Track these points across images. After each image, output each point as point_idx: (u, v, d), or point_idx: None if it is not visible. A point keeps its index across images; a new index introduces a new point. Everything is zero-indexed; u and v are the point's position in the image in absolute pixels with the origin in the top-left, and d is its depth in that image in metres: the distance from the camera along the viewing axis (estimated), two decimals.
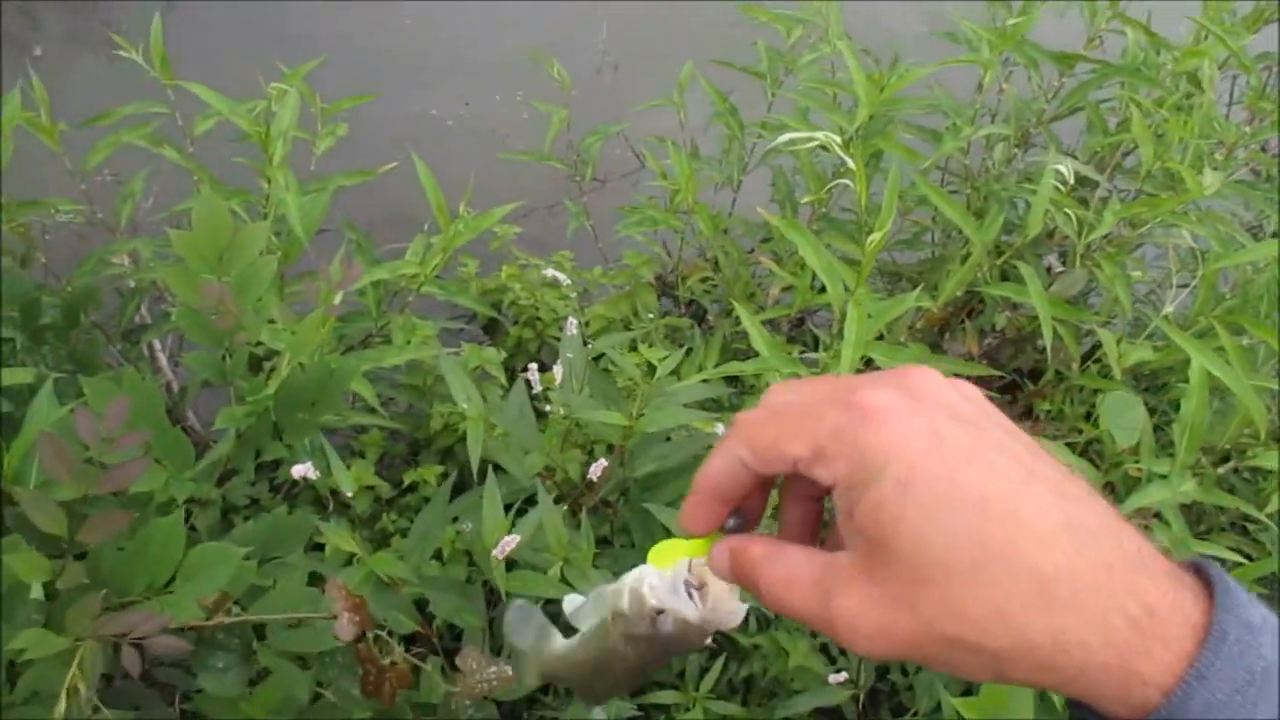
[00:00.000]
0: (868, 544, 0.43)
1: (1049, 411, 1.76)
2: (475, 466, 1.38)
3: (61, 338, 1.48)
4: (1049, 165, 1.28)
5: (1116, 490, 1.58)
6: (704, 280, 2.26)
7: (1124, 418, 1.46)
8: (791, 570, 0.46)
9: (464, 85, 3.34)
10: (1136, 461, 1.49)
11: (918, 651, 0.42)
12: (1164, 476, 1.35)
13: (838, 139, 1.23)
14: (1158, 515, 1.45)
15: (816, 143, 1.27)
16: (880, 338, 1.68)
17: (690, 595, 0.51)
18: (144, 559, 0.86)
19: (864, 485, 0.42)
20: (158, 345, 1.91)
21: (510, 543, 1.14)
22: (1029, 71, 1.75)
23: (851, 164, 1.18)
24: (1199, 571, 0.41)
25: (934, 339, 2.10)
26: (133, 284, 1.76)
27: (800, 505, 0.51)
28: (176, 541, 0.87)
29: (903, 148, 1.57)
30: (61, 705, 0.75)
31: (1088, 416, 1.79)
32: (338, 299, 1.24)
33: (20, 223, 1.53)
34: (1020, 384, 2.08)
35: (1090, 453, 1.75)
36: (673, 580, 0.51)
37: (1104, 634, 0.38)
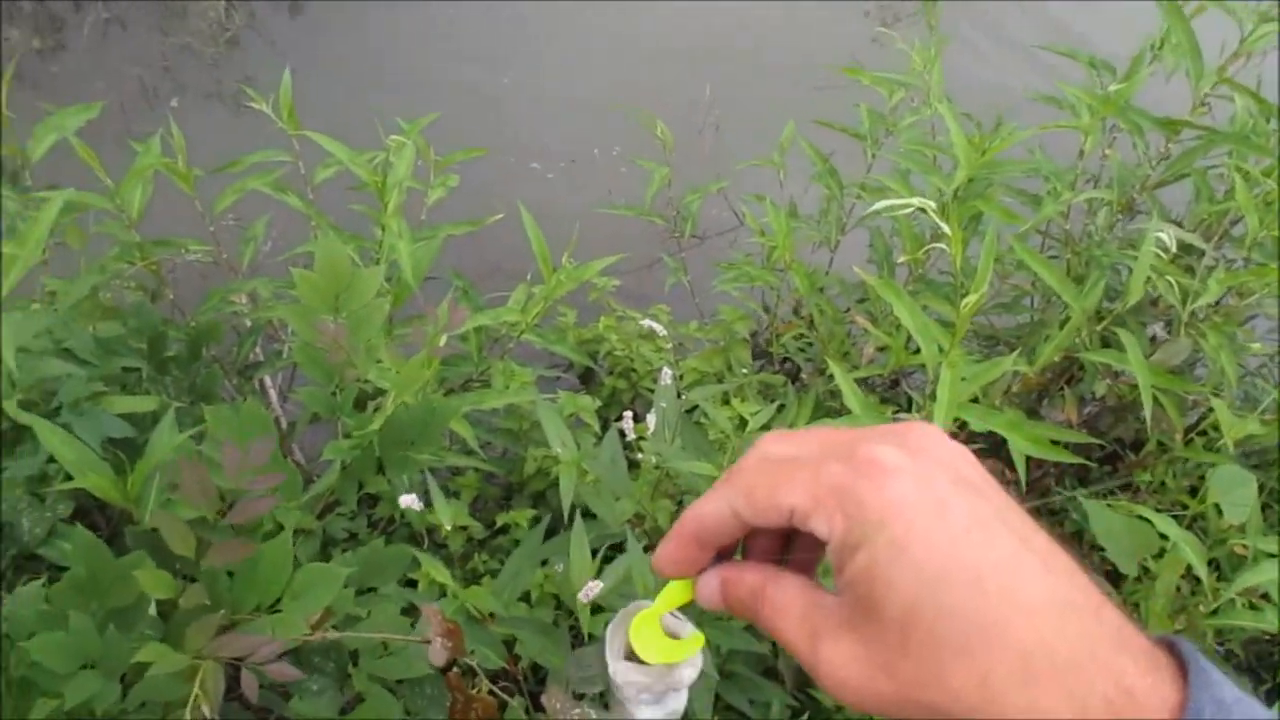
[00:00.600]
0: (856, 600, 0.42)
1: (1150, 483, 1.72)
2: (567, 511, 1.41)
3: (184, 370, 1.56)
4: (1150, 232, 1.27)
5: (1221, 567, 1.53)
6: (798, 338, 2.27)
7: (1234, 493, 1.41)
8: (785, 600, 0.46)
9: (568, 141, 3.43)
10: (1243, 538, 1.45)
11: (893, 711, 0.42)
12: (1272, 555, 1.31)
13: (933, 205, 1.24)
14: (1265, 596, 1.40)
15: (913, 207, 1.28)
16: (975, 400, 1.67)
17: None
18: (254, 579, 0.91)
19: (858, 543, 0.41)
20: (269, 381, 1.99)
21: (595, 587, 1.16)
22: (1133, 137, 1.73)
23: (947, 229, 1.19)
24: (1173, 649, 0.40)
25: (1032, 404, 2.07)
26: (249, 322, 1.85)
27: (764, 538, 0.50)
28: (285, 563, 0.92)
29: (1002, 210, 1.57)
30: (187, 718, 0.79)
31: (1193, 491, 1.74)
32: (443, 341, 1.29)
33: (153, 260, 1.63)
34: (1121, 454, 2.03)
35: (1195, 528, 1.70)
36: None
37: (1080, 713, 0.38)
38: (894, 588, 0.40)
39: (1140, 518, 1.25)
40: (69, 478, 1.20)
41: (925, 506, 0.41)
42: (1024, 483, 1.37)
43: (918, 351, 1.48)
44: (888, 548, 0.40)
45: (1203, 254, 1.57)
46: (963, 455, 0.45)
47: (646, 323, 1.73)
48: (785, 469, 0.45)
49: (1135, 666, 0.39)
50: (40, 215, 1.33)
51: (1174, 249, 1.26)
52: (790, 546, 0.49)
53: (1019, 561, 0.40)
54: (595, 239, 2.46)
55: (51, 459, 1.40)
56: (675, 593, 0.51)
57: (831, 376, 1.66)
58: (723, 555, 0.50)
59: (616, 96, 3.47)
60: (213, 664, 0.82)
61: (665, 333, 1.76)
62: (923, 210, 1.32)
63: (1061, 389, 1.96)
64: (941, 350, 1.37)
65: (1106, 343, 1.75)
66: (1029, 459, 2.07)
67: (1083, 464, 1.98)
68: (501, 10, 3.85)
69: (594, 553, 1.31)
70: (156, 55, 3.36)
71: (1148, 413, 1.35)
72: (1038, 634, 0.39)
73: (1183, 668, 0.39)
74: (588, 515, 1.41)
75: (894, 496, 0.41)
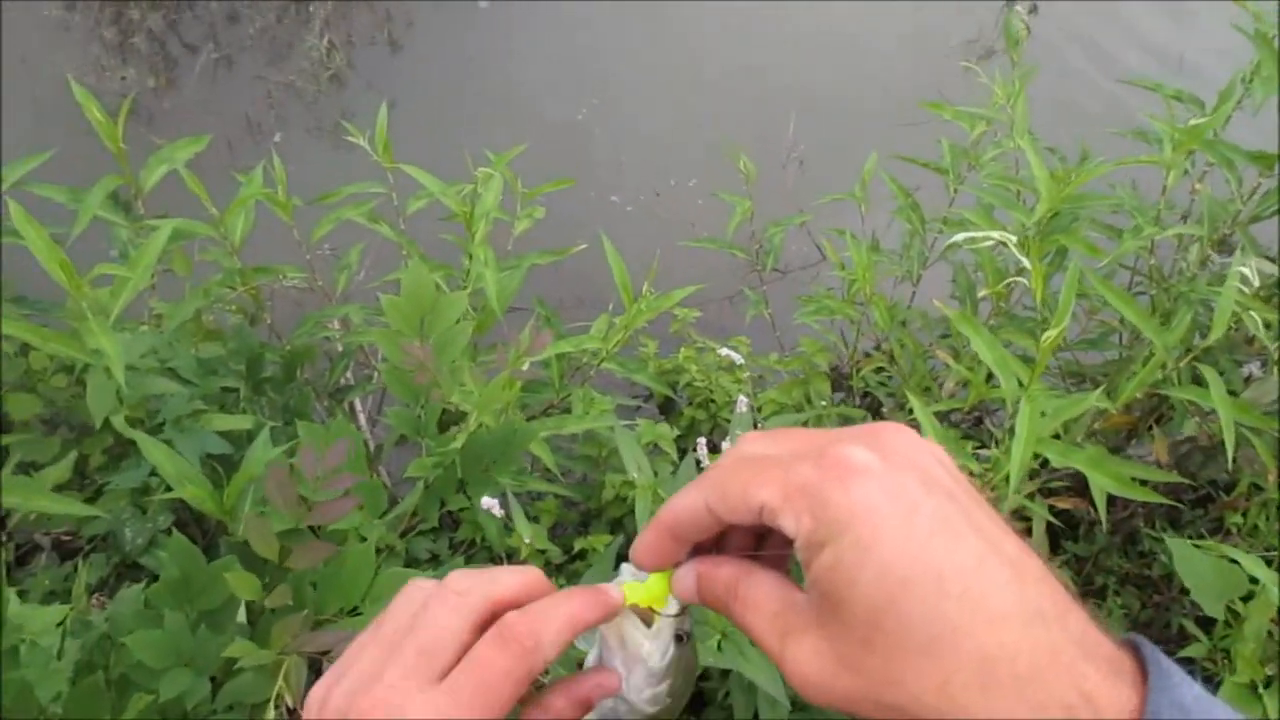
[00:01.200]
0: (822, 598, 0.43)
1: (1241, 526, 1.67)
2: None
3: (279, 391, 1.63)
4: (1235, 266, 1.25)
5: None
6: (879, 371, 2.26)
7: None
8: (758, 596, 0.47)
9: (653, 173, 3.49)
10: None
11: (855, 709, 0.42)
12: None
13: (1013, 238, 1.24)
14: None
15: (993, 240, 1.28)
16: (1057, 437, 1.64)
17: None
18: (338, 583, 0.95)
19: (824, 541, 0.42)
20: (359, 404, 2.06)
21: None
22: (1225, 171, 1.70)
23: (1028, 264, 1.19)
24: (1138, 651, 0.41)
25: (1120, 443, 2.03)
26: (341, 347, 1.92)
27: (740, 534, 0.51)
28: (367, 568, 0.96)
29: (1085, 244, 1.55)
30: (270, 712, 0.83)
31: None
32: (525, 366, 1.33)
33: (253, 286, 1.71)
34: (1214, 496, 1.97)
35: None
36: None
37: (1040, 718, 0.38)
38: (858, 588, 0.41)
39: (1228, 559, 1.22)
40: (169, 490, 1.26)
41: (892, 508, 0.41)
42: (1104, 520, 1.35)
43: (999, 386, 1.47)
44: (852, 548, 0.41)
45: None
46: (935, 456, 0.45)
47: (725, 351, 1.75)
48: (758, 466, 0.45)
49: (1097, 672, 0.39)
50: (150, 241, 1.42)
51: (1257, 283, 1.24)
52: (764, 542, 0.50)
53: (985, 566, 0.41)
54: (677, 272, 2.49)
55: (154, 472, 1.47)
56: (654, 586, 0.52)
57: (912, 410, 1.65)
58: (701, 550, 0.51)
59: (698, 131, 3.52)
60: (296, 659, 0.86)
61: (743, 361, 1.78)
62: (1004, 244, 1.32)
63: (1150, 428, 1.92)
64: (1021, 385, 1.36)
65: (1198, 380, 1.72)
66: (1115, 498, 2.03)
67: (1172, 504, 1.93)
68: (597, 42, 3.94)
69: None
70: (262, 93, 3.52)
71: (1229, 451, 1.32)
72: (999, 640, 0.39)
73: (1145, 670, 0.40)
74: None
75: (860, 498, 0.41)
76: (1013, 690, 0.39)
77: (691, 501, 0.47)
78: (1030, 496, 1.67)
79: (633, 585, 0.52)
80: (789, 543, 0.44)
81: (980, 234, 1.28)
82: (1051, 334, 1.13)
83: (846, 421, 2.16)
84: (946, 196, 2.14)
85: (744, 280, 2.57)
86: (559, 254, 1.77)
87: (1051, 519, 1.68)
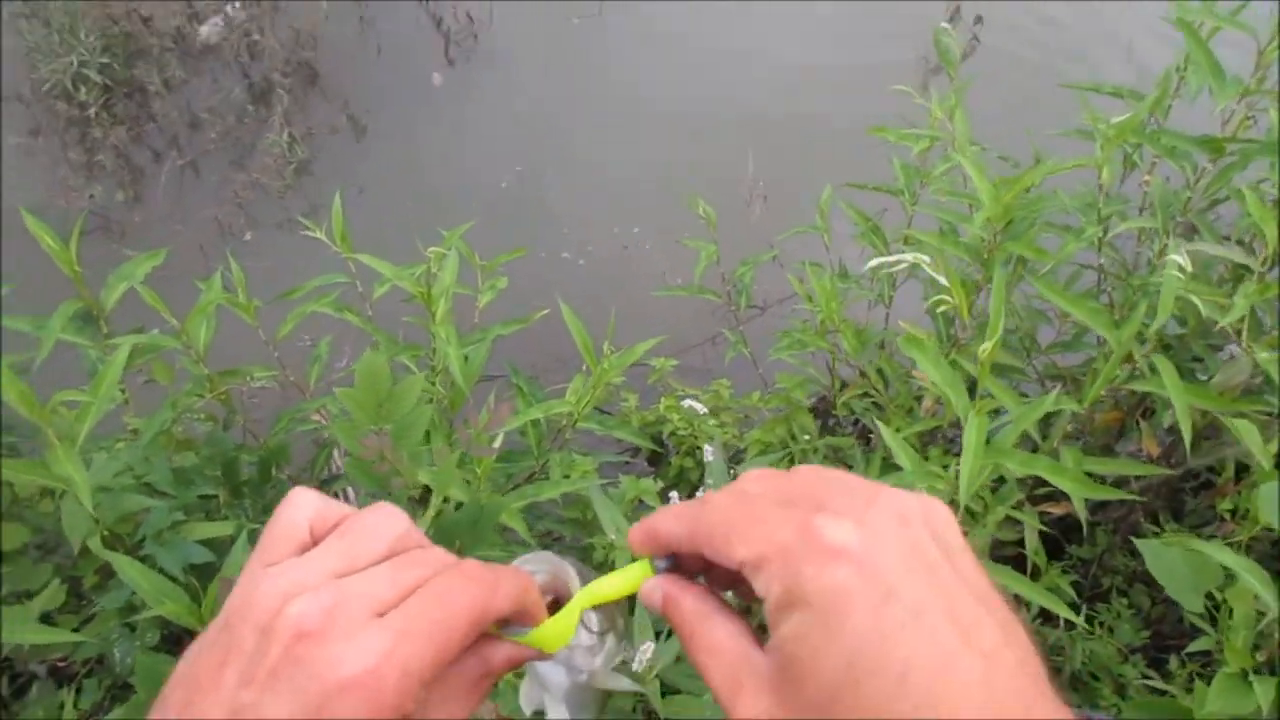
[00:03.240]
0: (782, 666, 0.43)
1: (1234, 511, 1.65)
2: None
3: (257, 492, 1.63)
4: (1170, 253, 1.25)
5: None
6: (864, 396, 2.26)
7: None
8: (714, 642, 0.47)
9: (618, 224, 3.51)
10: None
11: None
12: None
13: (927, 259, 1.24)
14: None
15: (906, 262, 1.28)
16: (1035, 445, 1.63)
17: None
18: None
19: (791, 611, 0.42)
20: (351, 493, 2.06)
21: (648, 649, 1.17)
22: (1177, 162, 1.70)
23: (944, 281, 1.19)
24: None
25: (1110, 440, 2.02)
26: (326, 435, 1.92)
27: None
28: None
29: (1033, 248, 1.55)
30: None
31: None
32: (496, 441, 1.33)
33: (222, 390, 1.71)
34: (1212, 482, 1.95)
35: None
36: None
37: None
38: (820, 667, 0.41)
39: (1194, 551, 1.20)
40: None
41: (865, 595, 0.41)
42: (1085, 523, 1.34)
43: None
44: (820, 627, 0.41)
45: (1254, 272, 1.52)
46: (929, 525, 0.45)
47: (687, 403, 1.75)
48: (747, 516, 0.45)
49: None
50: (110, 363, 1.42)
51: (1189, 269, 1.24)
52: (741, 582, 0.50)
53: (953, 661, 0.40)
54: (654, 320, 2.50)
55: None
56: (630, 576, 0.51)
57: (899, 430, 1.64)
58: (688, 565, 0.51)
59: (661, 175, 3.55)
60: None
61: (705, 411, 1.78)
62: (918, 264, 1.33)
63: (1137, 423, 1.91)
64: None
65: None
66: (1107, 482, 2.01)
67: (1176, 493, 1.91)
68: (546, 105, 3.99)
69: (656, 635, 1.32)
70: (229, 194, 3.56)
71: (1187, 436, 1.31)
72: None
73: None
74: None
75: (833, 580, 0.41)
76: None
77: (676, 529, 0.48)
78: (1019, 505, 1.65)
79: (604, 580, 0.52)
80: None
81: (894, 258, 1.28)
82: (987, 346, 1.12)
83: (836, 453, 2.15)
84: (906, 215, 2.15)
85: (723, 321, 2.57)
86: (522, 322, 1.77)
87: (1045, 528, 1.66)
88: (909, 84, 2.08)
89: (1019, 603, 1.37)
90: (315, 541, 0.47)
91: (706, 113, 3.86)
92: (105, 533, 1.49)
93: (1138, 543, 1.25)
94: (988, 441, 1.28)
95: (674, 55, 4.09)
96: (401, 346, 1.74)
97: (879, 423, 1.43)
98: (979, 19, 3.97)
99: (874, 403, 2.26)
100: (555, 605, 0.52)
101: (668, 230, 3.39)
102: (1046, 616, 1.76)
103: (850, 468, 1.85)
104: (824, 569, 0.41)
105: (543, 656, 0.51)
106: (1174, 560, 1.19)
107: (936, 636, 0.40)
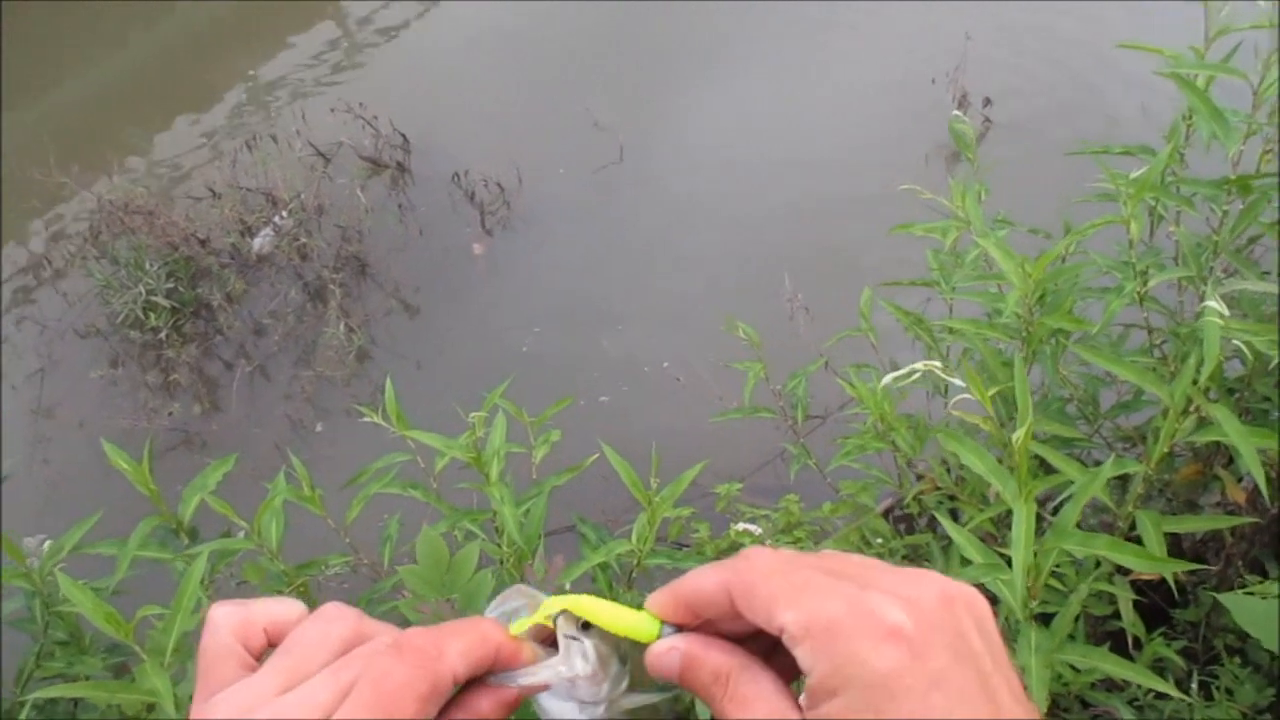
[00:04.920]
0: None
1: None
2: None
3: None
4: (1208, 297, 1.24)
5: None
6: (935, 490, 2.22)
7: None
8: (755, 696, 0.45)
9: (669, 357, 3.55)
10: None
11: None
12: None
13: (938, 364, 1.25)
14: None
15: (918, 372, 1.29)
16: (1105, 511, 1.59)
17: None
18: None
19: (837, 690, 0.41)
20: None
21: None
22: (1186, 210, 1.70)
23: (960, 382, 1.19)
24: None
25: (1195, 494, 1.95)
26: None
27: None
28: None
29: (1070, 319, 1.55)
30: None
31: None
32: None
33: (301, 581, 1.76)
34: None
35: None
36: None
37: None
38: None
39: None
40: None
41: (915, 679, 0.41)
42: (1174, 590, 1.29)
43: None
44: (868, 708, 0.40)
45: None
46: (972, 614, 0.45)
47: (740, 526, 1.74)
48: (793, 580, 0.44)
49: None
50: (188, 576, 1.48)
51: (1226, 313, 1.22)
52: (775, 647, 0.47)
53: None
54: (714, 446, 2.51)
55: None
56: (632, 619, 0.49)
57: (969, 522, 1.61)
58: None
59: (705, 303, 3.61)
60: None
61: (760, 532, 1.77)
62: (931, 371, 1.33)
63: (1216, 476, 1.85)
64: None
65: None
66: (1211, 547, 1.93)
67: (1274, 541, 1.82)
68: (586, 258, 4.11)
69: None
70: (298, 390, 3.70)
71: (1260, 480, 1.27)
72: None
73: None
74: None
75: (886, 663, 0.41)
76: None
77: (716, 590, 0.46)
78: (1109, 577, 1.59)
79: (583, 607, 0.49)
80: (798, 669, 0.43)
81: (905, 370, 1.30)
82: (1020, 434, 1.11)
83: (915, 550, 2.10)
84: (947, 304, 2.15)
85: (786, 436, 2.57)
86: (574, 470, 1.80)
87: (1139, 597, 1.60)
88: (937, 165, 2.12)
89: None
90: (272, 644, 0.47)
91: (737, 239, 3.96)
92: None
93: (1220, 598, 1.20)
94: (1054, 516, 1.25)
95: (692, 194, 4.23)
96: (462, 513, 1.77)
97: (940, 517, 1.40)
98: (988, 100, 4.03)
99: (946, 494, 2.22)
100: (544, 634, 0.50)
101: (718, 356, 3.43)
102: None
103: (929, 564, 1.81)
104: (878, 649, 0.41)
105: (526, 691, 0.49)
106: (1256, 610, 1.14)
107: None
